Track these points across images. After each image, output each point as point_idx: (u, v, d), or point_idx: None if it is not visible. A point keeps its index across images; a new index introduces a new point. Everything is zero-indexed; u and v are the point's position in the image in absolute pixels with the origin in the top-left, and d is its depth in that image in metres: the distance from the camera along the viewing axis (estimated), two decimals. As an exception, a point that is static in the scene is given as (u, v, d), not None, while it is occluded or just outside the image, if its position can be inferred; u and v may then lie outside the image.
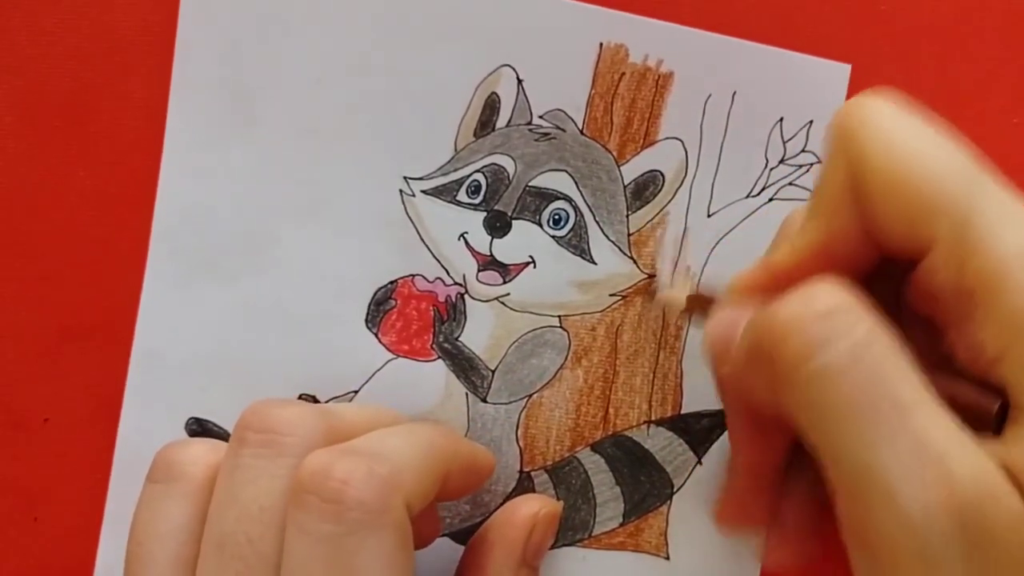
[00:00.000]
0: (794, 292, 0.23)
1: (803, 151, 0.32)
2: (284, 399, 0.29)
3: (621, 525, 0.33)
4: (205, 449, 0.28)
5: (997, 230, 0.23)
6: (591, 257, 0.32)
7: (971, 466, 0.22)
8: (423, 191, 0.32)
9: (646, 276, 0.32)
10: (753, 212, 0.32)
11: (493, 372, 0.32)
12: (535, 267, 0.32)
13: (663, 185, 0.32)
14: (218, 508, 0.26)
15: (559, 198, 0.32)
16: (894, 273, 0.26)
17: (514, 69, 0.32)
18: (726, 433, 0.33)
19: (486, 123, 0.32)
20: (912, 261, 0.25)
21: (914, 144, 0.24)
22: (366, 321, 0.32)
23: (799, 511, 0.29)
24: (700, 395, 0.32)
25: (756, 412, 0.27)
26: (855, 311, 0.23)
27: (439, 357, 0.32)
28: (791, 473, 0.29)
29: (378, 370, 0.32)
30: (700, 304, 0.30)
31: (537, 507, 0.31)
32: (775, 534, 0.30)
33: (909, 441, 0.22)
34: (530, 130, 0.32)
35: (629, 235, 0.32)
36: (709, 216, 0.32)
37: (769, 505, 0.30)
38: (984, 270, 0.23)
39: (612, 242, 0.32)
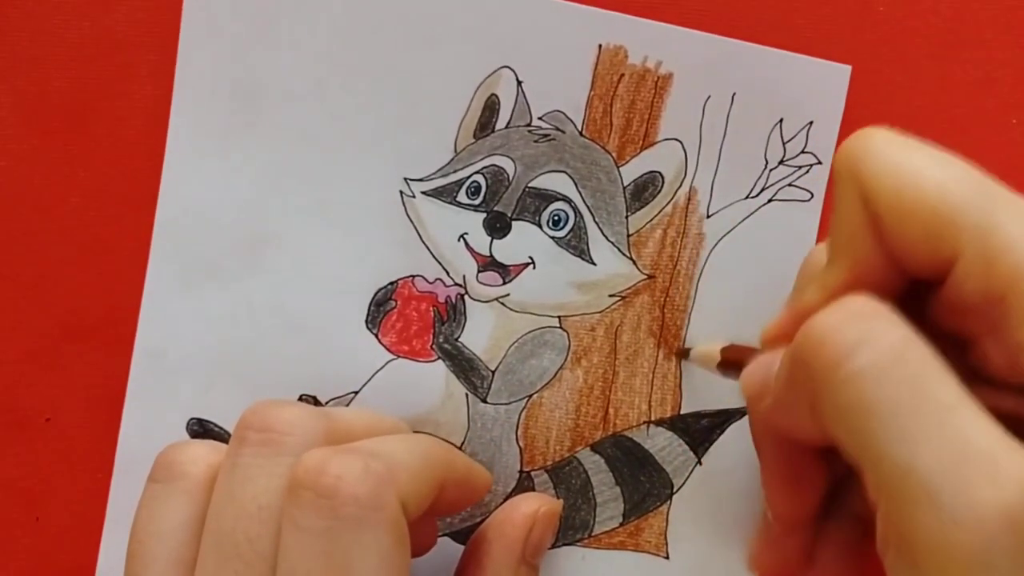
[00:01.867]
0: (829, 306, 0.24)
1: (803, 152, 0.32)
2: (284, 400, 0.29)
3: (621, 525, 0.33)
4: (206, 449, 0.28)
5: (1018, 232, 0.23)
6: (591, 258, 0.32)
7: (1019, 465, 0.21)
8: (423, 192, 0.32)
9: (645, 277, 0.32)
10: (753, 213, 0.33)
11: (493, 373, 0.32)
12: (535, 268, 0.32)
13: (662, 186, 0.32)
14: (217, 507, 0.26)
15: (559, 199, 0.32)
16: (916, 300, 0.26)
17: (513, 71, 0.32)
18: (726, 433, 0.33)
19: (486, 124, 0.32)
20: (937, 281, 0.25)
21: (920, 164, 0.24)
22: (366, 322, 0.32)
23: (837, 555, 0.29)
24: (699, 395, 0.33)
25: (792, 455, 0.27)
26: (891, 318, 0.23)
27: (439, 358, 0.32)
28: (829, 517, 0.29)
29: (378, 370, 0.32)
30: (734, 355, 0.30)
31: (536, 505, 0.31)
32: None
33: (953, 441, 0.22)
34: (529, 131, 0.32)
35: (628, 236, 0.32)
36: (709, 217, 0.32)
37: (805, 550, 0.29)
38: (1013, 272, 0.23)
39: (611, 243, 0.32)
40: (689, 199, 0.32)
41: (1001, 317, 0.24)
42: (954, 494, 0.21)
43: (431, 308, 0.32)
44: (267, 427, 0.26)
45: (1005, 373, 0.24)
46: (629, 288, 0.32)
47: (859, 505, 0.30)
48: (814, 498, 0.29)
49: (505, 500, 0.32)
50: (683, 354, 0.32)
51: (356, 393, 0.32)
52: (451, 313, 0.32)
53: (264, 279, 0.32)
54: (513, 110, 0.32)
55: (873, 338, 0.23)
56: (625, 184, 0.32)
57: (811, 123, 0.32)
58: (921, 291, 0.26)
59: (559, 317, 0.32)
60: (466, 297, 0.32)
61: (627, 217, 0.32)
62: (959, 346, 0.26)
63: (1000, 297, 0.23)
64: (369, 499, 0.24)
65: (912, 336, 0.23)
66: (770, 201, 0.32)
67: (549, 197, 0.32)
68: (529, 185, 0.32)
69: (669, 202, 0.32)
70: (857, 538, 0.30)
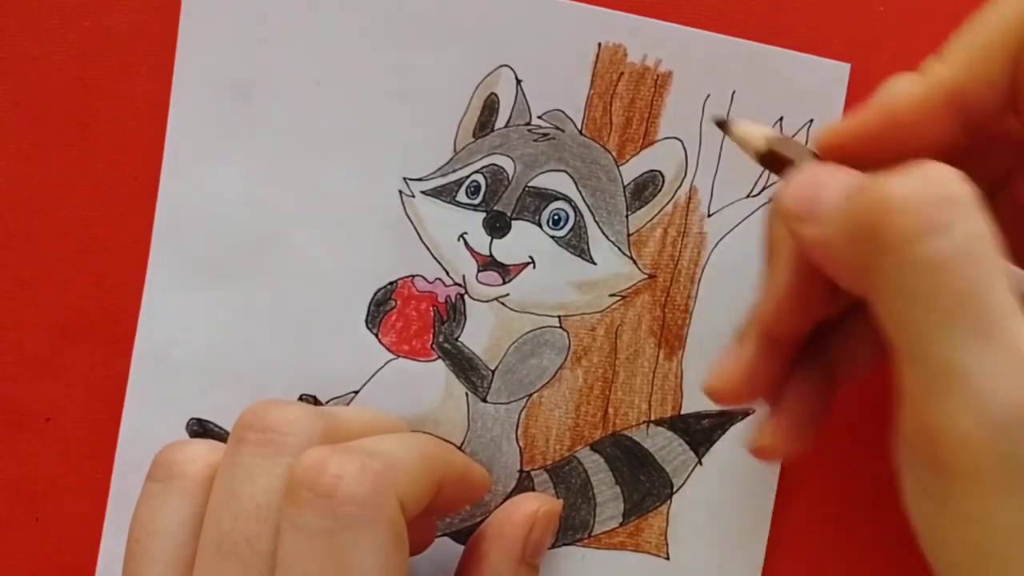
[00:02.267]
0: (912, 169, 0.22)
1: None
2: (283, 400, 0.29)
3: (621, 525, 0.33)
4: (205, 449, 0.28)
5: None
6: (591, 257, 0.32)
7: None
8: (423, 192, 0.32)
9: (646, 276, 0.32)
10: (753, 212, 0.32)
11: (493, 372, 0.32)
12: (535, 267, 0.32)
13: (663, 185, 0.32)
14: (216, 506, 0.26)
15: (558, 198, 0.32)
16: (998, 156, 0.25)
17: (513, 69, 0.32)
18: (727, 434, 0.33)
19: (485, 124, 0.32)
20: None
21: None
22: (366, 321, 0.32)
23: (805, 401, 0.29)
24: (700, 395, 0.32)
25: (806, 275, 0.26)
26: (971, 207, 0.22)
27: (439, 357, 0.32)
28: (804, 361, 0.29)
29: (378, 370, 0.32)
30: (778, 148, 0.27)
31: (536, 505, 0.31)
32: (775, 420, 0.29)
33: (1007, 344, 0.21)
34: (529, 130, 0.32)
35: (628, 235, 0.32)
36: (709, 216, 0.32)
37: (773, 383, 0.28)
38: None
39: (612, 242, 0.32)
40: (690, 198, 0.32)
41: None
42: (999, 395, 0.21)
43: (431, 308, 0.32)
44: (266, 427, 0.26)
45: None
46: (629, 288, 0.32)
47: (839, 355, 0.29)
48: (812, 318, 0.28)
49: (505, 500, 0.32)
50: (722, 125, 0.28)
51: (356, 393, 0.32)
52: (451, 313, 0.32)
53: (264, 279, 0.32)
54: (512, 109, 0.32)
55: (950, 226, 0.21)
56: (625, 183, 0.32)
57: (811, 121, 0.32)
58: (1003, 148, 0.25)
59: (559, 317, 0.32)
60: (466, 297, 0.32)
61: (627, 216, 0.32)
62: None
63: None
64: (368, 498, 0.24)
65: (987, 232, 0.22)
66: (770, 200, 0.32)
67: (549, 196, 0.32)
68: (529, 184, 0.32)
69: (669, 201, 0.32)
70: (826, 391, 0.29)
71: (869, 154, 0.24)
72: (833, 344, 0.29)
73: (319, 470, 0.24)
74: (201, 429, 0.32)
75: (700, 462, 0.33)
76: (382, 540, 0.24)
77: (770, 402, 0.29)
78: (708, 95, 0.32)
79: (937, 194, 0.22)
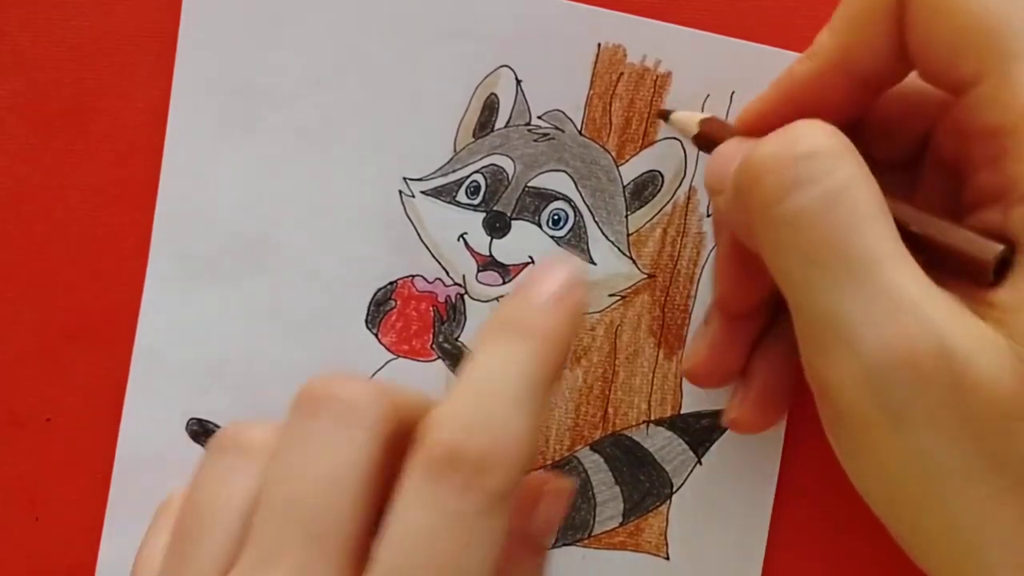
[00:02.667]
0: (778, 131, 0.23)
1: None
2: (345, 372, 0.28)
3: (621, 525, 0.33)
4: (273, 426, 0.26)
5: None
6: (590, 257, 0.32)
7: (941, 317, 0.22)
8: (423, 192, 0.32)
9: (645, 276, 0.32)
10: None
11: (493, 372, 0.32)
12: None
13: (662, 185, 0.32)
14: (280, 478, 0.24)
15: (558, 198, 0.32)
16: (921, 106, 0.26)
17: (513, 70, 0.32)
18: (726, 433, 0.33)
19: (485, 124, 0.32)
20: (944, 91, 0.24)
21: None
22: (366, 321, 0.32)
23: (769, 373, 0.30)
24: (699, 395, 0.32)
25: (744, 248, 0.27)
26: (836, 155, 0.23)
27: (439, 357, 0.32)
28: (767, 337, 0.30)
29: (378, 370, 0.32)
30: (711, 129, 0.29)
31: (544, 480, 0.30)
32: (741, 392, 0.30)
33: (875, 291, 0.22)
34: (529, 131, 0.32)
35: (628, 235, 0.32)
36: (708, 216, 0.32)
37: (740, 360, 0.30)
38: None
39: (611, 242, 0.32)
40: (689, 198, 0.32)
41: (1005, 149, 0.23)
42: (873, 343, 0.21)
43: (431, 308, 0.32)
44: (337, 399, 0.25)
45: (981, 216, 0.24)
46: (629, 287, 0.32)
47: None
48: (760, 290, 0.29)
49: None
50: (664, 115, 0.31)
51: (356, 393, 0.32)
52: (451, 313, 0.32)
53: (264, 279, 0.32)
54: (512, 109, 0.32)
55: (811, 178, 0.22)
56: (625, 183, 0.32)
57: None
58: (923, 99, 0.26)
59: (559, 316, 0.32)
60: (466, 297, 0.32)
61: (627, 216, 0.32)
62: (946, 177, 0.25)
63: (1011, 129, 0.23)
64: (505, 487, 0.23)
65: (853, 179, 0.22)
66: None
67: (549, 196, 0.32)
68: (529, 184, 0.32)
69: (669, 201, 0.32)
70: (793, 362, 0.30)
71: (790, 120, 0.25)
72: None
73: (459, 454, 0.23)
74: (201, 429, 0.32)
75: (700, 462, 0.33)
76: (505, 526, 0.23)
77: (738, 377, 0.30)
78: (707, 95, 0.32)
79: (795, 152, 0.23)
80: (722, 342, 0.30)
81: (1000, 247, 0.23)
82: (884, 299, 0.22)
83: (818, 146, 0.23)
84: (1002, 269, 0.23)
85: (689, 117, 0.30)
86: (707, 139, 0.29)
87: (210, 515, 0.25)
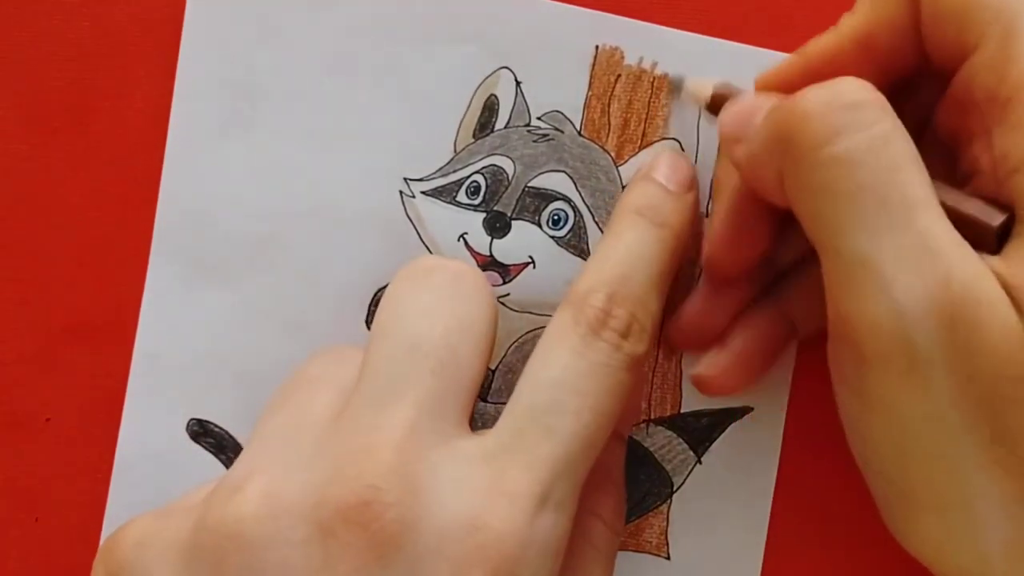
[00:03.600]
0: (822, 83, 0.24)
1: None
2: None
3: (621, 525, 0.33)
4: None
5: None
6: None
7: (969, 270, 0.22)
8: (423, 192, 0.32)
9: (644, 276, 0.33)
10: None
11: (493, 372, 0.32)
12: (535, 267, 0.32)
13: (661, 185, 0.33)
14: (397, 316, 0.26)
15: (558, 199, 0.32)
16: (916, 100, 0.27)
17: (512, 71, 0.32)
18: (726, 432, 0.33)
19: (485, 124, 0.32)
20: (946, 70, 0.25)
21: None
22: (366, 322, 0.32)
23: (746, 338, 0.31)
24: (699, 394, 0.33)
25: (746, 205, 0.28)
26: (879, 108, 0.24)
27: (439, 357, 0.32)
28: (753, 308, 0.31)
29: (378, 371, 0.32)
30: (726, 99, 0.29)
31: None
32: (715, 352, 0.31)
33: (913, 236, 0.23)
34: (528, 131, 0.32)
35: (627, 235, 0.32)
36: (707, 216, 0.33)
37: (724, 324, 0.31)
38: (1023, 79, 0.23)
39: (611, 242, 0.32)
40: (687, 198, 0.33)
41: (998, 120, 0.24)
42: (904, 285, 0.22)
43: (431, 308, 0.32)
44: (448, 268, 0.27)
45: (984, 182, 0.25)
46: (628, 287, 0.33)
47: (789, 304, 0.31)
48: (751, 255, 0.30)
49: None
50: (676, 87, 0.32)
51: (356, 393, 0.32)
52: (451, 313, 0.32)
53: (264, 279, 0.32)
54: (512, 110, 0.32)
55: (857, 126, 0.23)
56: (624, 184, 0.32)
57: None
58: (924, 91, 0.27)
59: (559, 316, 0.32)
60: (466, 297, 0.32)
61: (626, 216, 0.32)
62: (948, 153, 0.26)
63: (1005, 100, 0.24)
64: (645, 352, 0.26)
65: (894, 131, 0.23)
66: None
67: (549, 197, 0.32)
68: (528, 185, 0.32)
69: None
70: (774, 335, 0.31)
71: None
72: (786, 295, 0.31)
73: (612, 315, 0.26)
74: (201, 429, 0.32)
75: (700, 461, 0.33)
76: (630, 382, 0.26)
77: (719, 337, 0.31)
78: (705, 96, 0.33)
79: (843, 100, 0.24)
80: (707, 307, 0.31)
81: (1004, 214, 0.24)
82: (920, 243, 0.22)
83: (864, 98, 0.24)
84: (1001, 239, 0.24)
85: (702, 83, 0.31)
86: (722, 103, 0.29)
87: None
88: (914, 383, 0.23)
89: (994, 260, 0.23)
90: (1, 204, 0.32)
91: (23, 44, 0.32)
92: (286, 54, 0.32)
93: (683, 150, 0.32)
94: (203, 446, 0.32)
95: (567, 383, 0.25)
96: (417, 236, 0.32)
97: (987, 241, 0.24)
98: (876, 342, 0.23)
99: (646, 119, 0.33)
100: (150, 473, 0.32)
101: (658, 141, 0.32)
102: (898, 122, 0.24)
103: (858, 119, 0.23)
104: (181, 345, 0.32)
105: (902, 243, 0.23)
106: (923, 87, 0.27)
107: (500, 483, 0.23)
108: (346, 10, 0.32)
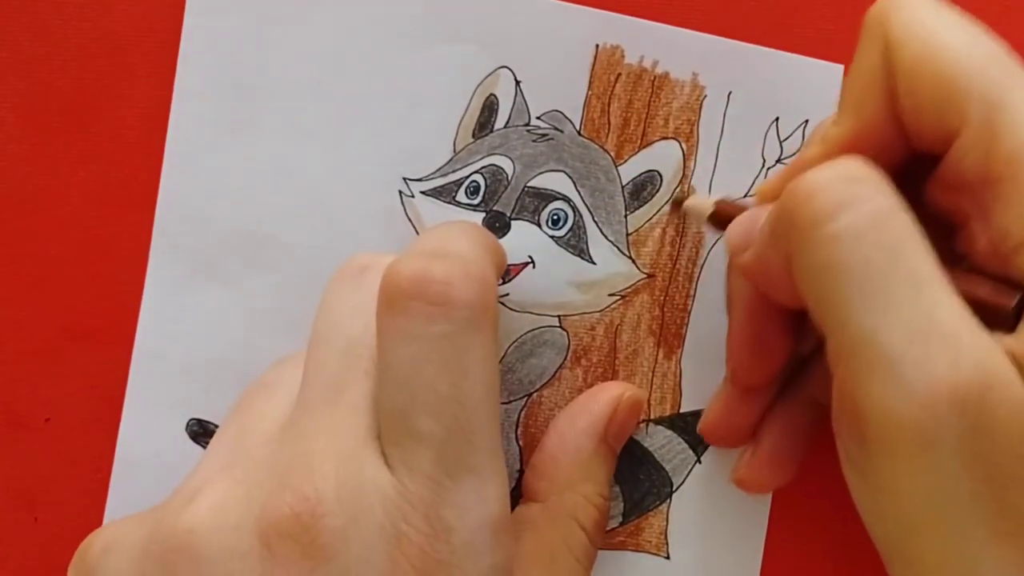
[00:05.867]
0: (823, 164, 0.24)
1: (799, 151, 0.33)
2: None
3: (621, 524, 0.33)
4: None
5: None
6: (590, 257, 0.32)
7: (980, 349, 0.22)
8: (422, 192, 0.32)
9: (645, 276, 0.33)
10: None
11: (493, 372, 0.32)
12: (534, 267, 0.32)
13: (661, 185, 0.33)
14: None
15: (557, 198, 0.32)
16: (911, 179, 0.26)
17: (512, 71, 0.32)
18: (725, 432, 0.33)
19: (484, 124, 0.32)
20: (937, 154, 0.25)
21: (946, 30, 0.25)
22: (366, 321, 0.32)
23: (780, 434, 0.30)
24: (699, 394, 0.33)
25: (761, 314, 0.28)
26: (880, 184, 0.23)
27: (439, 357, 0.32)
28: (780, 399, 0.30)
29: (378, 371, 0.32)
30: (727, 211, 0.30)
31: (621, 390, 0.31)
32: (751, 452, 0.31)
33: (920, 314, 0.22)
34: (528, 131, 0.32)
35: (627, 235, 0.32)
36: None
37: (755, 423, 0.31)
38: (1012, 155, 0.23)
39: (611, 242, 0.32)
40: (688, 198, 0.33)
41: (992, 199, 0.24)
42: (913, 367, 0.22)
43: (431, 308, 0.32)
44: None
45: (987, 259, 0.24)
46: (629, 287, 0.33)
47: (815, 389, 0.31)
48: (774, 364, 0.29)
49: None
50: (678, 204, 0.32)
51: (356, 393, 0.32)
52: (451, 313, 0.32)
53: (264, 279, 0.32)
54: (512, 110, 0.32)
55: (858, 201, 0.23)
56: (624, 183, 0.32)
57: (807, 121, 0.32)
58: (918, 170, 0.26)
59: (559, 316, 0.32)
60: (466, 297, 0.32)
61: (626, 216, 0.32)
62: (946, 230, 0.26)
63: (995, 179, 0.24)
64: (478, 301, 0.24)
65: (897, 206, 0.23)
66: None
67: (548, 196, 0.32)
68: (528, 184, 0.32)
69: (668, 201, 0.33)
70: (805, 423, 0.31)
71: None
72: (811, 378, 0.31)
73: (426, 279, 0.24)
74: (201, 429, 0.32)
75: (699, 460, 0.33)
76: (491, 340, 0.24)
77: (751, 434, 0.31)
78: (705, 96, 0.32)
79: (844, 176, 0.23)
80: (736, 409, 0.31)
81: (1019, 293, 0.23)
82: (928, 322, 0.22)
83: (865, 174, 0.24)
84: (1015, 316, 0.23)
85: (702, 200, 0.31)
86: (722, 217, 0.30)
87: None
88: (920, 464, 0.22)
89: (1008, 339, 0.23)
90: (1, 204, 0.32)
91: (23, 44, 0.32)
92: (285, 54, 0.32)
93: (682, 150, 0.32)
94: (203, 446, 0.32)
95: (410, 375, 0.24)
96: (416, 236, 0.32)
97: (1001, 321, 0.23)
98: (882, 424, 0.22)
99: (646, 118, 0.32)
100: (150, 473, 0.32)
101: (658, 141, 0.32)
102: (900, 199, 0.23)
103: (859, 194, 0.23)
104: (181, 345, 0.32)
105: (909, 321, 0.22)
106: (909, 171, 0.27)
107: (405, 488, 0.23)
108: (345, 10, 0.32)
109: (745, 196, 0.33)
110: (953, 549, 0.23)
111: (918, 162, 0.26)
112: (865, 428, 0.23)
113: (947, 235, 0.26)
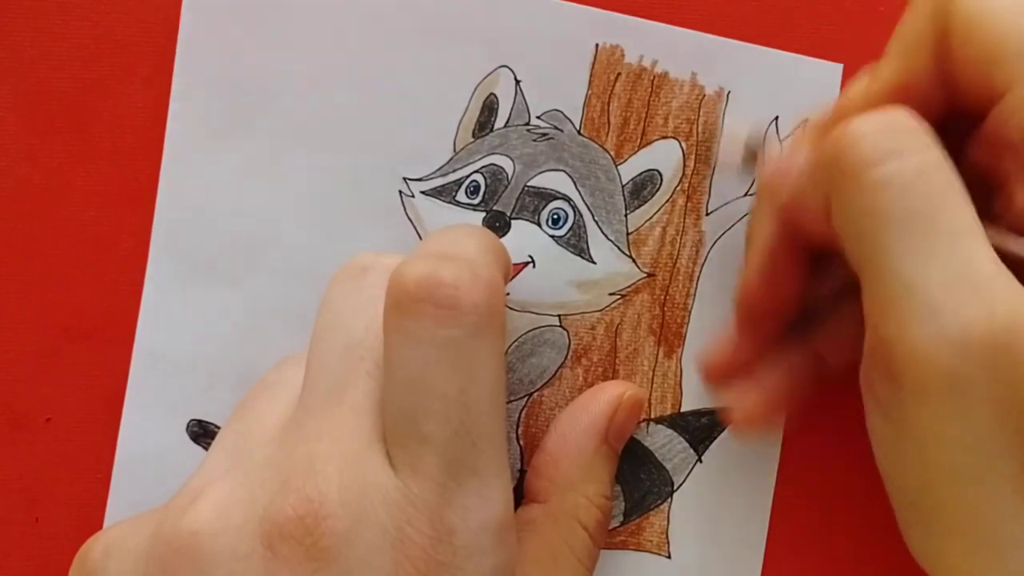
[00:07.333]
0: (873, 111, 0.24)
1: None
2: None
3: (622, 524, 0.33)
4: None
5: None
6: (590, 256, 0.32)
7: (1015, 300, 0.22)
8: (422, 192, 0.32)
9: (645, 275, 0.33)
10: (750, 211, 0.33)
11: (493, 371, 0.32)
12: (534, 267, 0.32)
13: (661, 184, 0.33)
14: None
15: (558, 198, 0.32)
16: (952, 138, 0.27)
17: (512, 70, 0.32)
18: (726, 431, 0.33)
19: (484, 124, 0.32)
20: (978, 113, 0.26)
21: None
22: (366, 321, 0.32)
23: (778, 374, 0.31)
24: (699, 393, 0.33)
25: (783, 246, 0.28)
26: (927, 137, 0.24)
27: (439, 357, 0.32)
28: (784, 350, 0.31)
29: (378, 370, 0.32)
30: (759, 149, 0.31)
31: (621, 390, 0.31)
32: (746, 384, 0.31)
33: (959, 262, 0.23)
34: (528, 130, 0.32)
35: (628, 234, 0.32)
36: (707, 215, 0.33)
37: (753, 362, 0.31)
38: None
39: (611, 241, 0.32)
40: (688, 197, 0.33)
41: None
42: (949, 313, 0.22)
43: (431, 308, 0.32)
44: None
45: (1021, 216, 0.25)
46: (629, 286, 0.33)
47: (823, 344, 0.31)
48: (787, 294, 0.30)
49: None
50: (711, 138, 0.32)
51: (356, 393, 0.32)
52: (451, 312, 0.32)
53: (264, 279, 0.32)
54: (512, 109, 0.32)
55: (906, 151, 0.23)
56: (624, 182, 0.32)
57: (806, 120, 0.32)
58: (954, 131, 0.26)
59: (559, 316, 0.32)
60: (466, 296, 0.32)
61: (626, 215, 0.32)
62: (981, 189, 0.26)
63: None
64: (486, 305, 0.24)
65: (942, 159, 0.24)
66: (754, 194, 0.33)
67: (548, 196, 0.32)
68: (528, 184, 0.32)
69: (668, 200, 0.33)
70: (805, 377, 0.31)
71: None
72: (815, 332, 0.31)
73: (434, 282, 0.24)
74: (201, 429, 0.32)
75: (700, 459, 0.33)
76: (499, 344, 0.24)
77: (751, 374, 0.31)
78: (704, 95, 0.32)
79: (894, 125, 0.24)
80: (735, 345, 0.31)
81: None
82: (965, 272, 0.22)
83: (914, 125, 0.24)
84: None
85: (737, 133, 0.32)
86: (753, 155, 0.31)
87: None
88: (951, 409, 0.23)
89: None
90: (1, 204, 0.32)
91: (23, 44, 0.32)
92: (283, 53, 0.32)
93: (682, 149, 0.32)
94: (203, 446, 0.32)
95: (417, 377, 0.24)
96: (417, 236, 0.32)
97: None
98: (917, 368, 0.23)
99: (646, 118, 0.32)
100: (150, 473, 0.32)
101: (657, 140, 0.32)
102: (945, 153, 0.24)
103: (908, 143, 0.24)
104: (181, 345, 0.32)
105: (948, 268, 0.23)
106: (951, 128, 0.27)
107: (409, 491, 0.23)
108: (344, 10, 0.32)
109: (745, 195, 0.33)
110: (976, 502, 0.23)
111: (954, 122, 0.27)
112: (897, 369, 0.23)
113: (980, 197, 0.26)
